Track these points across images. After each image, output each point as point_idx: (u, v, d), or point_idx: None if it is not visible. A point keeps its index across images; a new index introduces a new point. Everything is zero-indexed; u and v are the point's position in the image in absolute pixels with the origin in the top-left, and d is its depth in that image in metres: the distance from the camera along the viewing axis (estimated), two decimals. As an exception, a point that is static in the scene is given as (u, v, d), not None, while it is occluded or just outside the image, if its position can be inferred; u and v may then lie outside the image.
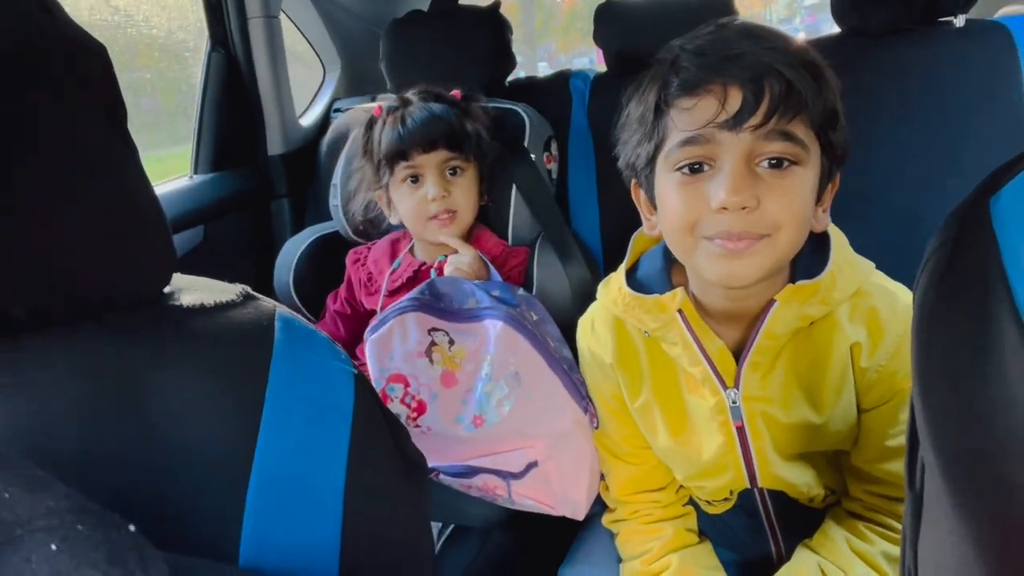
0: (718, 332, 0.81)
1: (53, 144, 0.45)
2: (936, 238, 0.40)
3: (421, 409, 1.01)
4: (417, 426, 1.02)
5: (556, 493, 1.05)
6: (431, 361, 1.02)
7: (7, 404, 0.47)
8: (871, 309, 0.78)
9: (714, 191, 0.70)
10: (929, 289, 0.40)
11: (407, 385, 1.02)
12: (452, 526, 1.15)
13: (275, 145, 1.68)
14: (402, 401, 1.02)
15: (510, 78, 1.65)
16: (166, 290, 0.54)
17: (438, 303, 1.06)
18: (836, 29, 1.40)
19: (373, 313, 1.26)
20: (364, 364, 1.08)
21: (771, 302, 0.77)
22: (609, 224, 1.45)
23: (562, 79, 1.59)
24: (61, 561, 0.31)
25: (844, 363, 0.78)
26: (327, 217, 1.47)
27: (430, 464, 1.06)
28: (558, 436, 1.01)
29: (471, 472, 1.06)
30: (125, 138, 0.50)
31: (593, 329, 0.94)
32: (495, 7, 1.57)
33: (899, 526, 0.80)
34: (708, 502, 0.96)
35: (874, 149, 1.29)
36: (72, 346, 0.48)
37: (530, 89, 1.62)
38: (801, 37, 1.38)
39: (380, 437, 0.55)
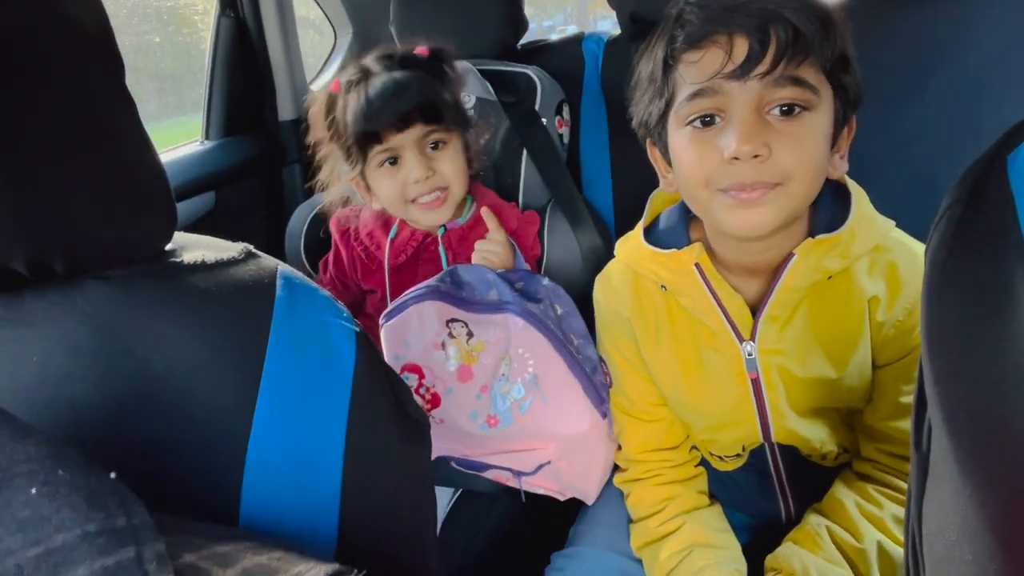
0: (735, 286, 0.80)
1: (51, 102, 0.44)
2: (950, 195, 0.38)
3: (435, 402, 0.96)
4: (431, 417, 0.97)
5: (566, 484, 1.02)
6: (447, 355, 0.96)
7: (10, 357, 0.47)
8: (890, 264, 0.76)
9: (725, 142, 0.68)
10: (941, 247, 0.38)
11: (422, 376, 0.96)
12: (460, 491, 1.13)
13: (286, 110, 1.61)
14: (416, 391, 0.96)
15: (523, 40, 1.63)
16: (168, 247, 0.54)
17: (459, 292, 0.99)
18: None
19: (370, 292, 1.19)
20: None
21: (790, 255, 0.75)
22: (622, 190, 1.38)
23: (575, 42, 1.51)
24: (41, 504, 0.30)
25: (861, 317, 0.76)
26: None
27: (442, 454, 1.03)
28: (572, 439, 0.96)
29: (482, 467, 1.02)
30: (124, 95, 0.49)
31: (610, 283, 0.92)
32: (508, -31, 1.54)
33: (900, 483, 0.77)
34: (720, 458, 0.92)
35: (892, 112, 1.24)
36: (74, 301, 0.47)
37: (542, 52, 1.54)
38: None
39: (382, 395, 0.54)
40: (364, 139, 1.01)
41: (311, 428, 0.49)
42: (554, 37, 1.65)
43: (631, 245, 0.87)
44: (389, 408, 0.54)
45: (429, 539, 0.59)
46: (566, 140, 1.37)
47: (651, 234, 0.87)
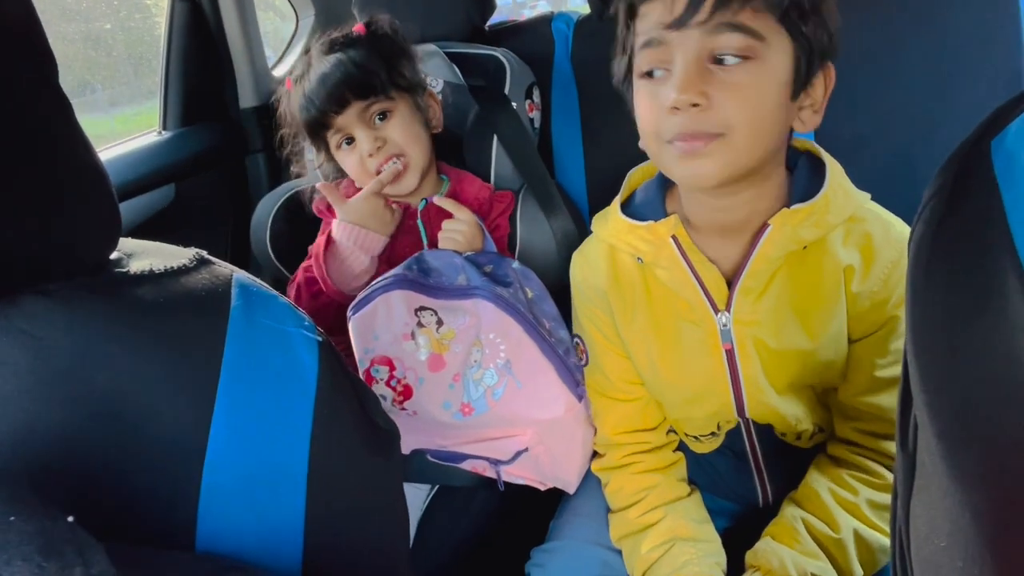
0: (712, 258, 0.80)
1: None
2: (933, 183, 0.37)
3: (407, 393, 0.95)
4: (403, 409, 0.96)
5: (546, 473, 1.00)
6: (418, 345, 0.95)
7: None
8: (865, 234, 0.76)
9: (666, 92, 0.68)
10: (925, 238, 0.37)
11: (392, 368, 0.95)
12: (437, 487, 1.11)
13: (247, 97, 1.56)
14: (387, 384, 0.95)
15: (490, 21, 1.59)
16: (114, 256, 0.51)
17: (426, 279, 0.98)
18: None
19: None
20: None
21: (765, 225, 0.75)
22: (595, 173, 1.36)
23: (544, 22, 1.47)
24: None
25: (836, 288, 0.76)
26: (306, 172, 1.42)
27: (417, 447, 1.01)
28: (549, 423, 0.95)
29: (459, 457, 1.00)
30: (57, 95, 0.46)
31: (587, 258, 0.92)
32: (473, -53, 1.50)
33: (882, 471, 0.79)
34: (696, 438, 0.92)
35: (865, 89, 1.24)
36: (11, 319, 0.44)
37: (511, 33, 1.50)
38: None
39: (347, 407, 0.52)
40: (312, 128, 1.08)
41: (271, 445, 0.47)
42: (525, 13, 1.61)
43: (608, 219, 0.87)
44: (355, 420, 0.51)
45: (401, 553, 0.56)
46: (537, 124, 1.34)
47: (628, 208, 0.87)
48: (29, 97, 0.43)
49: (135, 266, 0.49)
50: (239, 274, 0.52)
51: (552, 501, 1.05)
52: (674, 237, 0.80)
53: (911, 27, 1.21)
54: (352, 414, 0.52)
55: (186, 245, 1.47)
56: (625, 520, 0.92)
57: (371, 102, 1.05)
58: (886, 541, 0.76)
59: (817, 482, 0.82)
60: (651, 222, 0.82)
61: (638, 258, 0.84)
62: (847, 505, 0.78)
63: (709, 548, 0.87)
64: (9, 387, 0.43)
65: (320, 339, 0.51)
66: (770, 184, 0.76)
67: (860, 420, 0.81)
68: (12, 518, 0.31)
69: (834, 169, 0.78)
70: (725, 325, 0.80)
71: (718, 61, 0.67)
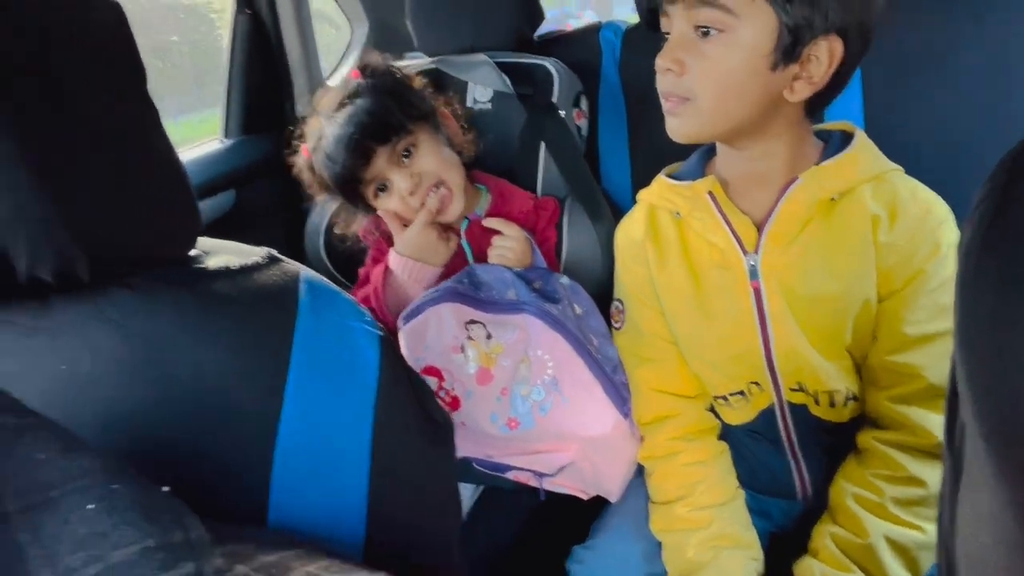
0: (744, 210, 0.85)
1: (71, 107, 0.45)
2: (983, 187, 0.37)
3: (455, 405, 0.97)
4: None
5: (589, 483, 1.01)
6: (467, 358, 0.96)
7: (40, 367, 0.48)
8: (892, 191, 0.80)
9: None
10: (974, 240, 0.37)
11: (441, 379, 0.96)
12: (483, 487, 1.14)
13: (304, 107, 1.59)
14: (436, 394, 0.97)
15: (539, 31, 1.61)
16: (192, 253, 0.54)
17: (477, 293, 0.99)
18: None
19: None
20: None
21: (795, 179, 0.81)
22: (641, 183, 1.37)
23: (592, 31, 1.48)
24: (99, 520, 0.30)
25: (864, 237, 0.80)
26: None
27: (464, 455, 1.03)
28: (595, 440, 0.96)
29: (504, 468, 1.02)
30: (145, 99, 0.49)
31: (630, 218, 0.98)
32: (522, -42, 1.53)
33: (907, 463, 0.79)
34: (726, 400, 0.92)
35: (921, 90, 1.21)
36: (100, 308, 0.48)
37: (559, 43, 1.52)
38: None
39: (406, 399, 0.54)
40: (346, 188, 1.08)
41: (337, 432, 0.50)
42: (572, 23, 1.63)
43: (652, 184, 0.94)
44: (413, 412, 0.54)
45: (454, 540, 0.59)
46: (584, 132, 1.35)
47: (672, 176, 0.94)
48: (120, 103, 0.47)
49: (212, 262, 0.53)
50: (306, 272, 0.55)
51: (597, 504, 1.06)
52: (710, 193, 0.86)
53: (970, 27, 1.19)
54: (410, 406, 0.54)
55: (245, 249, 1.51)
56: (672, 515, 0.92)
57: (394, 143, 1.05)
58: (921, 536, 0.77)
59: (843, 491, 0.83)
60: (690, 181, 0.88)
61: (676, 213, 0.89)
62: (873, 508, 0.79)
63: (752, 554, 0.89)
64: (96, 372, 0.47)
65: (381, 334, 0.54)
66: (786, 142, 0.82)
67: (891, 386, 0.82)
68: (115, 486, 0.33)
69: (863, 136, 0.84)
70: (753, 266, 0.84)
71: (704, 33, 0.75)
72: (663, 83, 0.79)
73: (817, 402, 0.88)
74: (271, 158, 1.58)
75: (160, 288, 0.49)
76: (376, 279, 1.11)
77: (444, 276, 1.06)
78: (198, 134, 1.57)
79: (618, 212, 1.27)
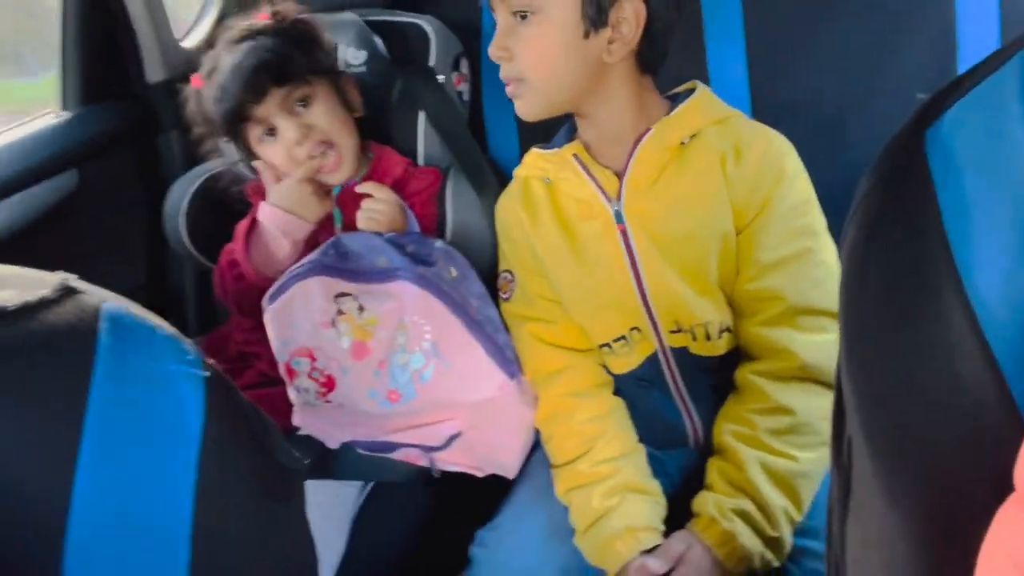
0: (605, 165, 0.92)
1: None
2: (865, 180, 0.34)
3: (330, 385, 0.93)
4: (328, 401, 0.94)
5: (482, 457, 0.99)
6: (339, 332, 0.92)
7: None
8: (735, 131, 0.89)
9: None
10: (858, 242, 0.34)
11: (313, 359, 0.93)
12: (372, 483, 1.06)
13: (155, 71, 1.44)
14: (309, 376, 0.93)
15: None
16: None
17: (344, 263, 0.95)
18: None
19: None
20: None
21: (647, 131, 0.88)
22: (530, 144, 1.35)
23: None
24: None
25: (714, 175, 0.87)
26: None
27: (345, 440, 0.99)
28: (481, 405, 0.94)
29: (389, 447, 0.98)
30: None
31: (506, 194, 1.04)
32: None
33: (774, 394, 0.84)
34: (611, 348, 0.95)
35: (800, 51, 1.22)
36: None
37: None
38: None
39: (240, 449, 0.47)
40: (230, 121, 1.04)
41: (148, 504, 0.41)
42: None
43: (524, 158, 1.01)
44: (249, 463, 0.46)
45: None
46: (466, 97, 1.29)
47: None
48: None
49: None
50: (110, 304, 0.45)
51: (499, 491, 1.02)
52: (575, 155, 0.92)
53: None
54: (245, 456, 0.46)
55: (95, 234, 1.37)
56: (574, 472, 0.92)
57: (291, 88, 1.03)
58: (795, 465, 0.83)
59: (723, 429, 0.89)
60: (556, 148, 0.95)
61: (546, 179, 0.96)
62: (747, 440, 0.85)
63: (656, 500, 0.91)
64: None
65: (207, 374, 0.45)
66: (626, 101, 0.90)
67: (755, 313, 0.88)
68: None
69: (704, 88, 0.93)
70: (617, 211, 0.90)
71: (522, 17, 0.84)
72: (503, 70, 0.88)
73: (694, 337, 0.92)
74: (119, 130, 1.43)
75: None
76: (241, 227, 1.07)
77: (312, 246, 1.02)
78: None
79: (506, 182, 1.21)
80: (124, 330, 0.44)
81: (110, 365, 0.42)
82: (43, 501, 0.39)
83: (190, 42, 1.59)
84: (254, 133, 1.06)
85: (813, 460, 0.83)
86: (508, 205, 1.02)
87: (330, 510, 1.01)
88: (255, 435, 0.48)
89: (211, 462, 0.43)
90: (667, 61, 0.98)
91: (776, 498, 0.82)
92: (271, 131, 1.05)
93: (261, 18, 1.08)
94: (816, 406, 0.84)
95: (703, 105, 0.91)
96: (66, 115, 1.36)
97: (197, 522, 0.42)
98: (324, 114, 1.06)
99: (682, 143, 0.89)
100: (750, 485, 0.82)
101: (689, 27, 1.20)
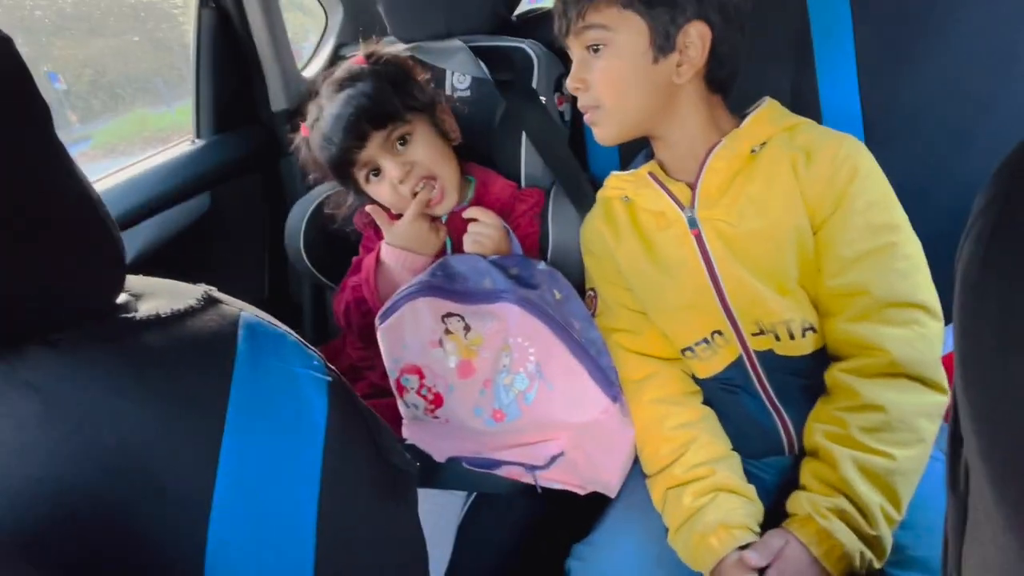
0: (679, 179, 0.96)
1: None
2: (982, 196, 0.33)
3: (438, 402, 0.95)
4: (435, 417, 0.96)
5: (585, 477, 0.99)
6: (445, 352, 0.95)
7: None
8: (805, 135, 0.91)
9: None
10: (974, 259, 0.33)
11: (422, 376, 0.95)
12: (474, 495, 1.09)
13: (278, 100, 1.56)
14: (418, 392, 0.96)
15: (518, 10, 1.55)
16: (121, 299, 0.50)
17: (451, 284, 0.98)
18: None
19: None
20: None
21: (717, 142, 0.92)
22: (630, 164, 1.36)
23: None
24: None
25: (786, 177, 0.89)
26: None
27: (451, 454, 1.01)
28: (585, 427, 0.94)
29: (494, 464, 1.00)
30: (50, 140, 0.45)
31: (589, 216, 1.08)
32: (498, -66, 1.46)
33: (865, 391, 0.82)
34: (693, 351, 0.96)
35: (919, 59, 1.17)
36: (17, 372, 0.44)
37: (540, 21, 1.46)
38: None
39: (359, 449, 0.50)
40: (337, 167, 1.10)
41: (279, 495, 0.45)
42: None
43: (605, 181, 1.05)
44: (368, 462, 0.50)
45: None
46: (567, 117, 1.30)
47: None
48: (22, 146, 0.42)
49: (142, 309, 0.48)
50: (247, 313, 0.50)
51: (597, 504, 1.03)
52: (651, 173, 0.97)
53: None
54: (364, 455, 0.50)
55: (224, 252, 1.47)
56: (668, 476, 0.93)
57: (390, 130, 1.08)
58: (891, 463, 0.80)
59: (814, 430, 0.87)
60: (633, 169, 1.00)
61: (625, 197, 1.01)
62: (840, 439, 0.83)
63: (751, 502, 0.90)
64: (16, 441, 0.43)
65: (330, 378, 0.49)
66: (697, 121, 0.93)
67: (841, 310, 0.88)
68: None
69: (771, 100, 0.96)
70: (691, 217, 0.93)
71: (595, 50, 0.90)
72: (579, 101, 0.94)
73: (777, 337, 0.91)
74: (247, 156, 1.54)
75: (84, 346, 0.45)
76: (368, 268, 1.12)
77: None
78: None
79: (607, 199, 1.22)
80: (259, 337, 0.48)
81: (247, 368, 0.46)
82: (190, 489, 0.44)
83: (310, 72, 1.70)
84: (361, 175, 1.11)
85: (910, 457, 0.80)
86: (590, 223, 1.07)
87: (436, 518, 1.05)
88: (372, 436, 0.51)
89: (334, 458, 0.47)
90: (776, 78, 1.01)
91: (872, 495, 0.79)
92: (376, 171, 1.10)
93: (357, 61, 1.14)
94: (910, 401, 0.81)
95: (771, 115, 0.94)
96: (200, 143, 1.48)
97: (322, 512, 0.46)
98: (423, 149, 1.10)
99: (752, 151, 0.91)
100: (845, 484, 0.81)
101: (798, 42, 1.18)
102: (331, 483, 0.47)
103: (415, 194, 1.09)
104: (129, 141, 1.64)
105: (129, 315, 0.47)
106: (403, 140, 1.09)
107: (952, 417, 0.38)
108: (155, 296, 0.50)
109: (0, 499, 0.42)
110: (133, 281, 0.51)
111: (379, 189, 1.11)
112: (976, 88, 1.12)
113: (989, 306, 0.33)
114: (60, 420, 0.43)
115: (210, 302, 0.50)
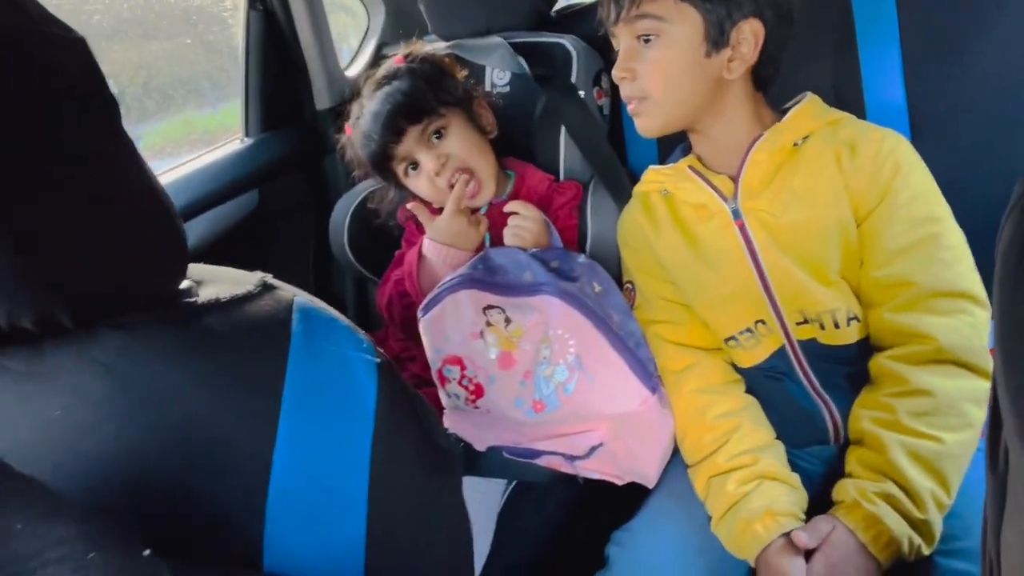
0: (720, 172, 0.95)
1: (40, 149, 0.43)
2: (1021, 182, 0.34)
3: (479, 392, 0.97)
4: (476, 408, 0.97)
5: (623, 467, 1.00)
6: (486, 343, 0.96)
7: (34, 412, 0.47)
8: (848, 129, 0.91)
9: None
10: (1013, 243, 0.33)
11: (463, 368, 0.97)
12: (515, 482, 1.12)
13: (322, 99, 1.60)
14: (459, 383, 0.97)
15: (557, 6, 1.56)
16: (183, 285, 0.53)
17: (492, 277, 0.99)
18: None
19: None
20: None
21: (760, 136, 0.91)
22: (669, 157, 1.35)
23: None
24: None
25: (830, 168, 0.89)
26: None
27: (492, 444, 1.03)
28: (624, 418, 0.95)
29: (534, 454, 1.01)
30: (118, 133, 0.47)
31: (627, 209, 1.08)
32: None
33: (912, 375, 0.82)
34: (737, 341, 0.96)
35: (965, 52, 1.15)
36: (90, 352, 0.47)
37: (579, 17, 1.47)
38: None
39: (407, 428, 0.52)
40: (377, 162, 1.15)
41: (332, 469, 0.48)
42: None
43: (643, 175, 1.04)
44: (415, 442, 0.52)
45: (465, 573, 0.57)
46: (606, 111, 1.31)
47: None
48: (94, 141, 0.45)
49: (203, 294, 0.51)
50: (300, 298, 0.53)
51: (635, 496, 1.03)
52: (690, 167, 0.97)
53: None
54: (412, 435, 0.52)
55: (270, 248, 1.51)
56: (712, 464, 0.93)
57: (425, 124, 1.11)
58: (939, 447, 0.79)
59: (860, 416, 0.87)
60: (672, 163, 0.99)
61: (664, 191, 1.00)
62: (888, 424, 0.82)
63: (796, 490, 0.89)
64: (89, 417, 0.46)
65: (379, 360, 0.52)
66: (741, 116, 0.94)
67: (886, 300, 0.87)
68: (92, 554, 0.32)
69: (812, 95, 0.96)
70: (735, 208, 0.93)
71: (646, 40, 0.89)
72: (623, 90, 0.93)
73: (823, 327, 0.91)
74: (293, 154, 1.58)
75: (149, 328, 0.48)
76: (410, 263, 1.14)
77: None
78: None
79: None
80: (312, 320, 0.51)
81: (301, 349, 0.49)
82: (251, 462, 0.46)
83: (353, 71, 1.73)
84: (400, 168, 1.16)
85: (960, 442, 0.79)
86: (628, 217, 1.07)
87: (476, 505, 1.07)
88: (419, 417, 0.53)
89: (383, 436, 0.49)
90: (818, 73, 1.02)
91: (922, 480, 0.78)
92: (415, 165, 1.14)
93: (397, 61, 1.18)
94: (958, 387, 0.80)
95: (814, 110, 0.94)
96: (249, 141, 1.52)
97: (372, 486, 0.48)
98: (458, 142, 1.13)
99: (795, 144, 0.91)
100: (892, 468, 0.79)
101: (841, 36, 1.17)
102: (381, 460, 0.49)
103: (452, 186, 1.11)
104: (177, 143, 1.70)
105: (191, 299, 0.50)
106: (438, 133, 1.13)
107: (992, 398, 0.38)
108: (215, 282, 0.53)
109: (73, 472, 0.45)
110: (194, 268, 0.54)
111: (418, 183, 1.15)
112: (1022, 79, 1.10)
113: None
114: (128, 398, 0.46)
115: (266, 288, 0.53)
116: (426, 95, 1.12)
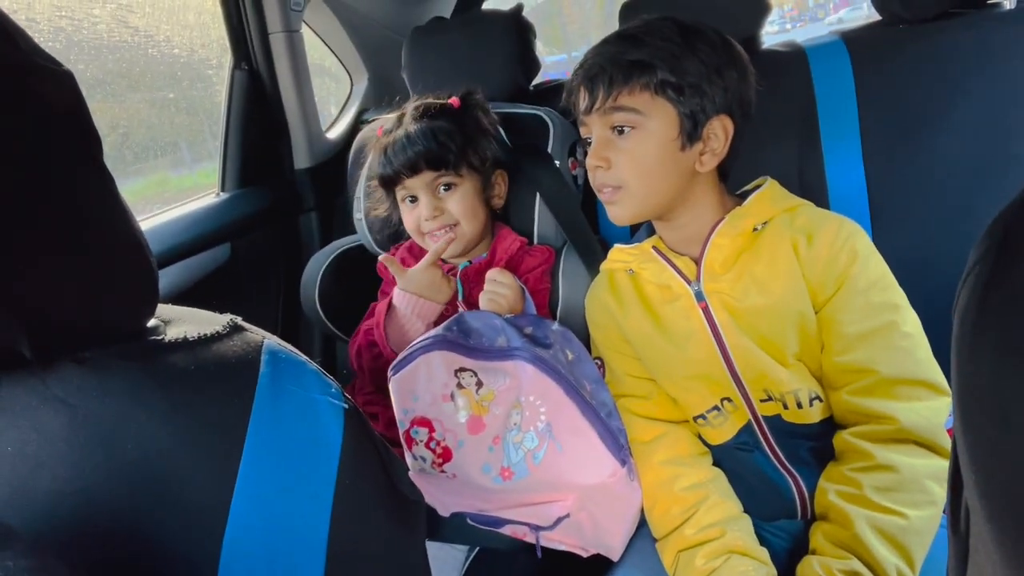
0: (683, 255, 0.97)
1: (19, 177, 0.42)
2: (979, 246, 0.35)
3: (447, 456, 0.94)
4: (443, 471, 0.94)
5: (589, 539, 0.97)
6: (457, 406, 0.94)
7: None
8: (805, 217, 0.93)
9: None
10: (970, 306, 0.34)
11: (432, 430, 0.94)
12: (477, 549, 1.09)
13: (302, 159, 1.61)
14: (427, 445, 0.94)
15: (535, 81, 1.61)
16: (151, 323, 0.52)
17: (467, 340, 0.97)
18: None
19: None
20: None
21: (720, 220, 0.93)
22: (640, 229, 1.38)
23: None
24: None
25: (788, 257, 0.90)
26: (354, 230, 1.44)
27: (457, 510, 0.99)
28: (592, 489, 0.93)
29: (499, 522, 0.98)
30: (100, 169, 0.47)
31: (594, 287, 1.09)
32: (518, 11, 1.50)
33: (877, 451, 0.83)
34: (705, 419, 0.96)
35: (922, 141, 1.21)
36: (49, 387, 0.45)
37: (555, 92, 1.54)
38: (835, 28, 1.32)
39: (371, 476, 0.51)
40: (385, 182, 1.18)
41: (292, 515, 0.45)
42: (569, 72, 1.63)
43: (609, 254, 1.06)
44: (379, 490, 0.50)
45: None
46: (580, 181, 1.34)
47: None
48: (74, 174, 0.44)
49: (171, 333, 0.49)
50: (270, 340, 0.51)
51: (600, 564, 1.01)
52: (655, 247, 0.98)
53: (974, 75, 1.18)
54: (376, 483, 0.50)
55: (239, 302, 1.49)
56: (680, 537, 0.92)
57: (441, 173, 1.13)
58: (903, 522, 0.80)
59: (826, 491, 0.87)
60: (637, 243, 1.01)
61: (629, 270, 1.02)
62: (854, 499, 0.83)
63: (764, 566, 0.89)
64: (43, 453, 0.43)
65: (347, 407, 0.50)
66: (707, 205, 0.95)
67: (847, 384, 0.88)
68: None
69: (772, 182, 0.98)
70: (698, 291, 0.95)
71: (620, 131, 0.90)
72: (596, 179, 0.94)
73: (786, 406, 0.92)
74: (267, 210, 1.57)
75: (112, 364, 0.46)
76: (380, 312, 1.14)
77: (441, 317, 1.06)
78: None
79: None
80: (281, 363, 0.49)
81: (267, 391, 0.47)
82: (207, 504, 0.44)
83: (333, 133, 1.76)
84: (401, 194, 1.18)
85: (923, 518, 0.80)
86: (595, 295, 1.08)
87: (438, 572, 1.03)
88: (384, 464, 0.52)
89: (346, 482, 0.47)
90: (783, 161, 1.07)
91: (887, 555, 0.78)
92: (414, 199, 1.16)
93: (452, 101, 1.19)
94: (920, 464, 0.81)
95: (773, 195, 0.95)
96: (224, 195, 1.52)
97: (333, 533, 0.46)
98: (460, 203, 1.15)
99: (755, 229, 0.93)
100: (858, 543, 0.79)
101: (804, 127, 1.22)
102: (343, 503, 0.47)
103: (427, 234, 1.14)
104: (149, 200, 1.68)
105: (158, 337, 0.49)
106: (447, 186, 1.15)
107: (952, 460, 0.39)
108: (183, 322, 0.51)
109: (25, 509, 0.42)
110: (163, 309, 0.53)
111: (408, 215, 1.18)
112: (976, 164, 1.16)
113: (985, 350, 0.33)
114: (86, 434, 0.44)
115: (236, 329, 0.51)
116: (456, 153, 1.13)
